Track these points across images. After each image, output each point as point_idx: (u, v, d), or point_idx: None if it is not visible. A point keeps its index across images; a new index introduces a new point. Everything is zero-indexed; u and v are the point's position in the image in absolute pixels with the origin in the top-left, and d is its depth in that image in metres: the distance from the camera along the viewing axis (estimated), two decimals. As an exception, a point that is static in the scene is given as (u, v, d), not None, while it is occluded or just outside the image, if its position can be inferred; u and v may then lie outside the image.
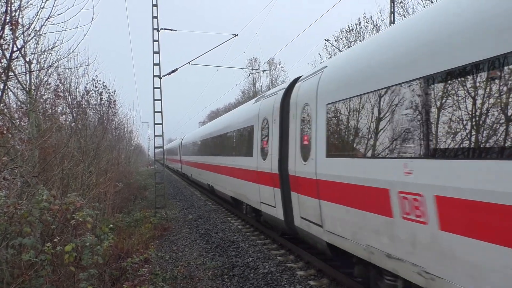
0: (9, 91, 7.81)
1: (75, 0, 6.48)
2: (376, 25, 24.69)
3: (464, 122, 3.46)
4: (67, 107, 11.59)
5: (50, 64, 8.90)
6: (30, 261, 4.49)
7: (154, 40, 15.00)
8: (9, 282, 4.52)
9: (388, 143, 4.49)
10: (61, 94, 10.94)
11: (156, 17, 15.04)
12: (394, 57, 4.49)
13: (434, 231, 3.73)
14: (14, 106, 8.42)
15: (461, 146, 3.49)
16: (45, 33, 7.42)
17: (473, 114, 3.40)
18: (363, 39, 25.75)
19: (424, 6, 17.56)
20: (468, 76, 3.42)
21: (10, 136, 6.73)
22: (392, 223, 4.37)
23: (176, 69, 16.53)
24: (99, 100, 13.54)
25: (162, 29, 15.31)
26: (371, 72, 4.93)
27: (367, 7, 72.09)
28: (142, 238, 9.90)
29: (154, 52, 15.06)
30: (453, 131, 3.57)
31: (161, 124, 15.51)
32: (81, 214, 5.15)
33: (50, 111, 10.03)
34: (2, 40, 5.63)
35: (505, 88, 3.12)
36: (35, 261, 4.51)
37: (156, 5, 15.02)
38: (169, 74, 16.36)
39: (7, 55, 5.88)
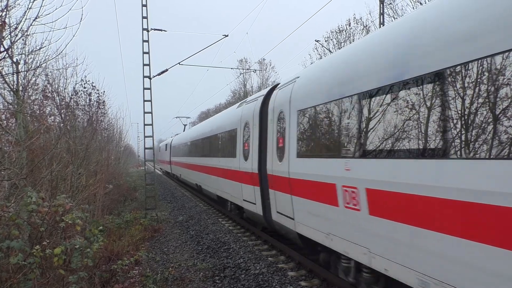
0: (-4, 92, 7.71)
1: (64, 0, 6.40)
2: (366, 26, 24.92)
3: None
4: (55, 108, 11.44)
5: (38, 64, 8.77)
6: (18, 264, 4.43)
7: (143, 41, 14.91)
8: (-3, 286, 4.45)
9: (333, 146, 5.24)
10: (49, 94, 10.81)
11: (146, 17, 14.95)
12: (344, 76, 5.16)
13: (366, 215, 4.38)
14: (1, 107, 8.30)
15: None
16: (32, 33, 7.32)
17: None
18: (353, 40, 25.94)
19: (414, 8, 17.78)
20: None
21: (-3, 137, 6.63)
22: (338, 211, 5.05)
23: (166, 70, 16.45)
24: (88, 101, 13.40)
25: (151, 29, 15.23)
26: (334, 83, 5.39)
27: (357, 9, 72.64)
28: (133, 239, 9.83)
29: (144, 53, 14.96)
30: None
31: (151, 125, 15.42)
32: (71, 216, 5.11)
33: (38, 112, 9.89)
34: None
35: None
36: (23, 264, 4.45)
37: (145, 5, 14.93)
38: (159, 74, 16.28)
39: (-6, 56, 5.81)
